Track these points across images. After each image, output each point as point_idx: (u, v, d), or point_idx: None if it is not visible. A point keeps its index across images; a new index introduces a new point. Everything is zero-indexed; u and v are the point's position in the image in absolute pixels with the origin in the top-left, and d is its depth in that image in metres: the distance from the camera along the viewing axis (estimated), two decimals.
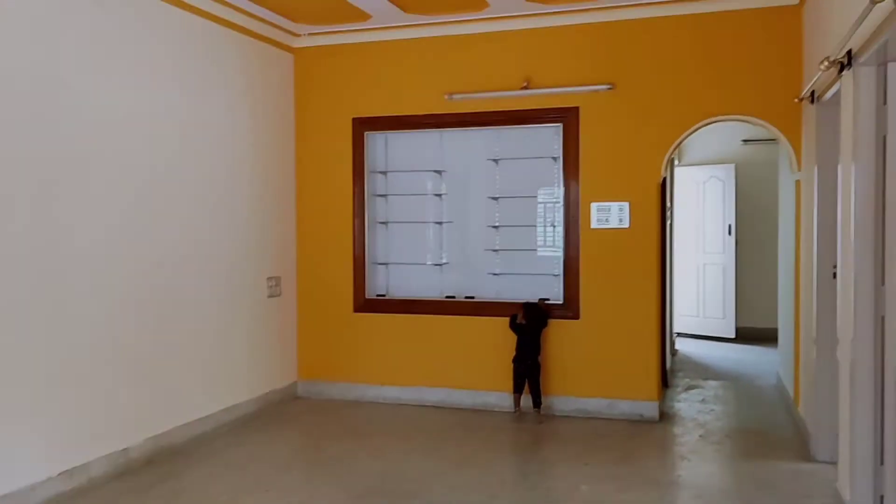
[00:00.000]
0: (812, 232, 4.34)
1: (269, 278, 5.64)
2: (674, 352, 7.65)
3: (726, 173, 8.50)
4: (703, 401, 5.86)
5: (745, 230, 8.64)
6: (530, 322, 5.26)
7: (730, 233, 8.50)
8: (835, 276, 4.02)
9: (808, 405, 4.53)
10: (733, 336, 8.49)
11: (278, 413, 5.51)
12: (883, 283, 3.05)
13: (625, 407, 5.27)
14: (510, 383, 5.31)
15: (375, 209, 5.96)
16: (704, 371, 7.00)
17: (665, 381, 6.00)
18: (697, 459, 4.46)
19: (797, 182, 5.01)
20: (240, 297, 5.32)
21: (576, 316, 5.35)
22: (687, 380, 6.59)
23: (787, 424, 5.16)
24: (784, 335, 6.06)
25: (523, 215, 5.65)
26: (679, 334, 8.44)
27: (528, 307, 5.31)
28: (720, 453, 4.59)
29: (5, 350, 3.56)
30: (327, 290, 5.93)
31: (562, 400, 5.39)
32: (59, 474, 3.82)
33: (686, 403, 5.77)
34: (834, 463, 4.13)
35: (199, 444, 4.74)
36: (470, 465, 4.32)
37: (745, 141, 8.58)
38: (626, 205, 5.22)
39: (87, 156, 4.00)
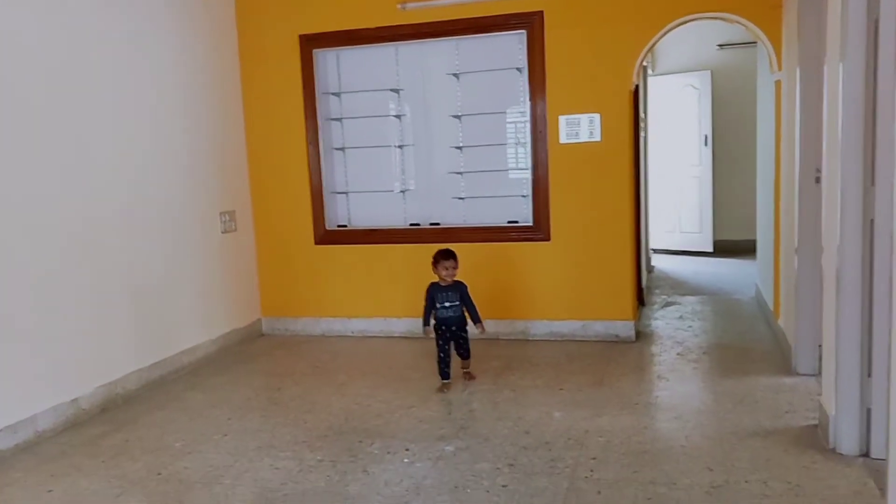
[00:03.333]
0: (794, 134, 4.06)
1: (223, 213, 5.30)
2: (650, 269, 7.46)
3: (702, 81, 8.16)
4: (680, 317, 5.69)
5: (721, 140, 8.36)
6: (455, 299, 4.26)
7: (706, 144, 8.22)
8: (818, 180, 3.77)
9: (789, 317, 4.35)
10: (711, 250, 8.33)
11: (240, 353, 5.27)
12: (873, 184, 2.80)
13: (599, 328, 5.07)
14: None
15: (331, 134, 5.58)
16: (682, 287, 6.83)
17: (641, 299, 5.82)
18: (675, 379, 4.29)
19: (777, 83, 4.71)
20: (191, 234, 4.98)
21: (546, 237, 5.09)
22: (664, 297, 6.42)
23: (766, 338, 5.00)
24: (763, 246, 5.87)
25: (489, 134, 5.30)
26: (655, 250, 8.25)
27: (444, 254, 4.27)
28: (699, 371, 4.42)
29: None
30: (285, 223, 5.61)
31: (534, 324, 5.18)
32: (2, 429, 3.53)
33: (663, 321, 5.60)
34: (816, 376, 3.99)
35: (156, 389, 4.50)
36: (438, 397, 4.12)
37: (720, 46, 8.21)
38: (596, 116, 4.90)
39: (10, 82, 3.60)
